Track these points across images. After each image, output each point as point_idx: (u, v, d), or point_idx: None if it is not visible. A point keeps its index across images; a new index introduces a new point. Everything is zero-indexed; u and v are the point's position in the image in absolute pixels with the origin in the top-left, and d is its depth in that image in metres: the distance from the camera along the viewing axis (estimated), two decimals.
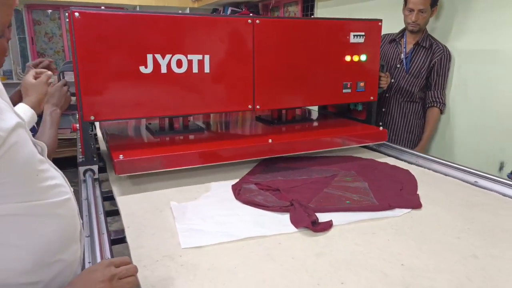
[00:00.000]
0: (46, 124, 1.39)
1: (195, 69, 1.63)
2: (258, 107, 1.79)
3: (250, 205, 1.38)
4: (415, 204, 1.40)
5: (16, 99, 1.41)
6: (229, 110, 1.92)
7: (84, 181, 1.54)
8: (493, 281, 0.96)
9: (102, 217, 1.25)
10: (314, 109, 2.61)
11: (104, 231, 1.16)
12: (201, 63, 1.63)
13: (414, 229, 1.23)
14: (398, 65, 2.37)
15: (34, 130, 1.29)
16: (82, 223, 0.92)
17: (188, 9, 5.25)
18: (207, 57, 1.64)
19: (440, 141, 2.45)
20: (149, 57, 1.54)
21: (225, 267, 1.01)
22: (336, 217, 1.27)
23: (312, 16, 3.71)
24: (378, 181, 1.60)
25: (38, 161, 0.75)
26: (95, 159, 1.61)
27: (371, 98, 2.07)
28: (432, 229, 1.24)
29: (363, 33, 1.93)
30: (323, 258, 1.06)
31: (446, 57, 2.26)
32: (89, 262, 0.99)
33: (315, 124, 2.29)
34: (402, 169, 1.77)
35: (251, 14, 4.31)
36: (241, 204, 1.40)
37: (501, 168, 2.09)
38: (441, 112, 2.35)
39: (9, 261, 0.70)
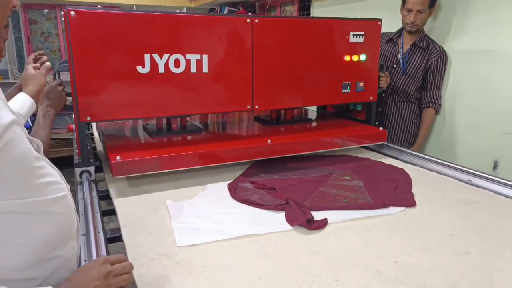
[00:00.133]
0: (39, 126, 1.40)
1: (193, 69, 1.61)
2: (257, 107, 1.78)
3: (246, 204, 1.39)
4: (410, 202, 1.41)
5: (16, 94, 1.42)
6: (228, 110, 1.91)
7: (81, 182, 1.53)
8: (486, 278, 0.98)
9: (98, 216, 1.25)
10: (313, 109, 2.61)
11: (100, 229, 1.16)
12: (199, 63, 1.62)
13: (408, 227, 1.24)
14: (395, 65, 2.38)
15: (27, 126, 1.30)
16: (79, 220, 0.92)
17: (184, 8, 5.25)
18: (205, 57, 1.62)
19: (436, 141, 2.47)
20: (147, 56, 1.53)
21: (220, 265, 1.02)
22: (331, 215, 1.28)
23: (311, 16, 3.72)
24: (373, 180, 1.62)
25: (34, 158, 0.76)
26: (91, 160, 1.59)
27: (371, 98, 2.06)
28: (426, 227, 1.25)
29: (362, 33, 1.92)
30: (317, 255, 1.07)
31: (442, 58, 2.27)
32: (85, 260, 0.99)
33: (314, 124, 2.28)
34: (397, 168, 1.78)
35: (249, 14, 4.31)
36: (237, 203, 1.41)
37: (495, 166, 2.11)
38: (436, 112, 2.37)
39: (6, 257, 0.71)
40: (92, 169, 1.58)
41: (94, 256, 0.99)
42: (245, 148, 1.70)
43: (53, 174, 0.82)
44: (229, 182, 1.59)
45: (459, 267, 1.02)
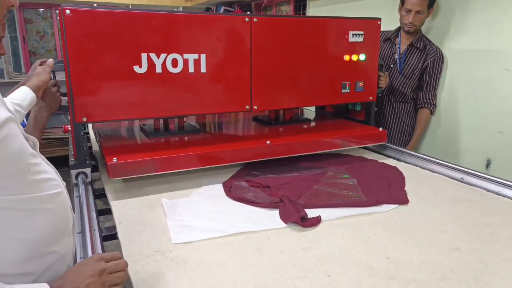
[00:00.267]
0: (29, 127, 1.41)
1: (191, 69, 1.59)
2: (255, 107, 1.76)
3: (240, 202, 1.41)
4: (402, 200, 1.43)
5: None
6: (226, 111, 1.87)
7: (76, 184, 1.51)
8: (475, 273, 1.00)
9: (93, 214, 1.26)
10: (311, 109, 2.59)
11: (96, 227, 1.17)
12: (197, 62, 1.60)
13: (400, 224, 1.26)
14: (392, 66, 2.39)
15: (23, 124, 1.31)
16: (74, 218, 0.93)
17: (181, 8, 5.24)
18: (203, 56, 1.60)
19: (430, 140, 2.49)
20: (144, 56, 1.50)
21: (214, 261, 1.04)
22: (324, 213, 1.30)
23: (310, 15, 3.72)
24: (367, 178, 1.63)
25: (30, 154, 0.76)
26: (87, 161, 1.57)
27: (370, 98, 2.05)
28: (417, 224, 1.27)
29: (362, 32, 1.91)
30: (310, 252, 1.09)
31: (439, 59, 2.28)
32: (80, 258, 1.00)
33: (313, 124, 2.25)
34: (391, 166, 1.80)
35: (248, 13, 4.32)
36: (231, 201, 1.42)
37: (487, 165, 2.14)
38: (432, 113, 2.39)
39: (1, 251, 0.72)
40: (88, 170, 1.56)
41: (90, 254, 1.00)
42: (244, 149, 1.67)
43: (49, 171, 0.83)
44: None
45: (449, 262, 1.04)
